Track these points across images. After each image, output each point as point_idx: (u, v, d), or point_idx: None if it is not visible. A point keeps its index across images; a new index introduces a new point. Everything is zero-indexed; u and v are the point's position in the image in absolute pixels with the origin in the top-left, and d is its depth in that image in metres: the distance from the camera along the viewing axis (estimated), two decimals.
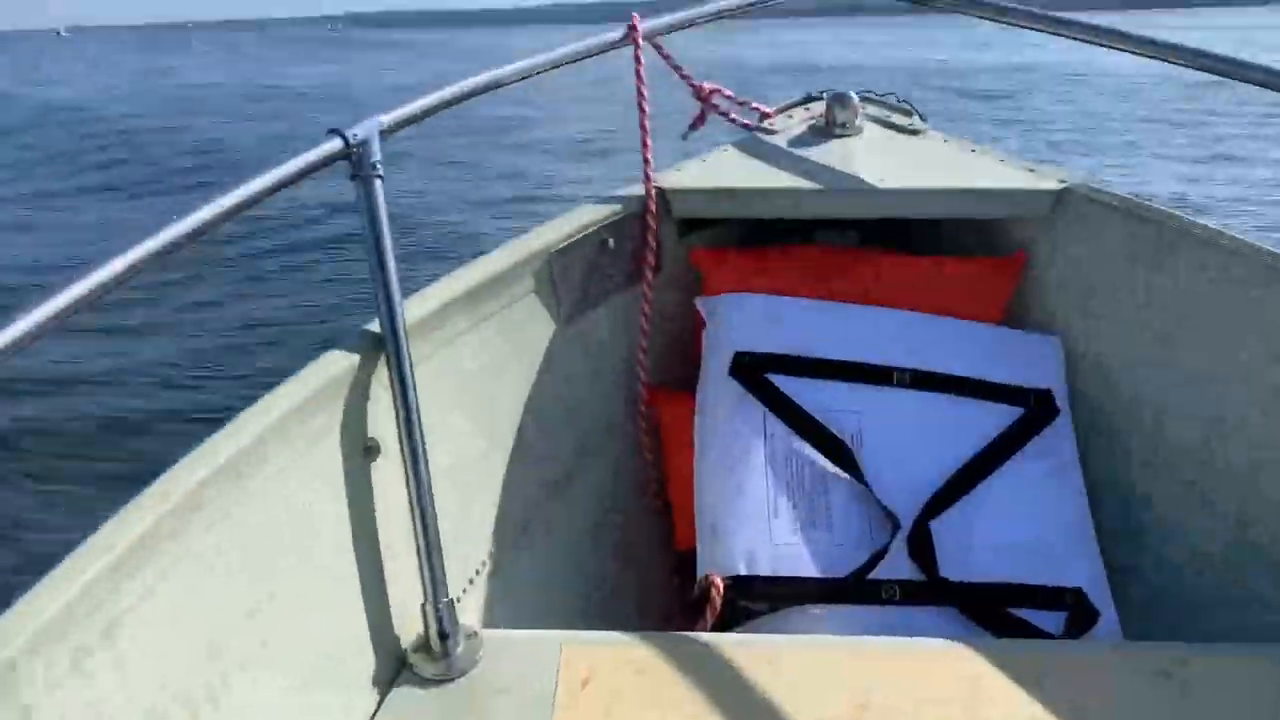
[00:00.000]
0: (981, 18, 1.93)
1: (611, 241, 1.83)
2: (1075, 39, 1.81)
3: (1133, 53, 1.72)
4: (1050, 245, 1.87)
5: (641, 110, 1.84)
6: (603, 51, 1.81)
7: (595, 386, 1.85)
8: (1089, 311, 1.82)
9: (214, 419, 1.15)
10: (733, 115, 2.05)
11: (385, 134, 1.35)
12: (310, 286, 5.28)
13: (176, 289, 5.26)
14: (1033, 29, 1.85)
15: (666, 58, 1.94)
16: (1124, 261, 1.75)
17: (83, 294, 0.93)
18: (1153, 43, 1.69)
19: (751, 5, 1.99)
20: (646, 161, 1.85)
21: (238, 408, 1.17)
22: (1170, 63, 1.67)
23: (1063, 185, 1.84)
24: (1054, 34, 1.83)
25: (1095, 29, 1.77)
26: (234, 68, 38.82)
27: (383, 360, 1.32)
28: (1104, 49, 1.77)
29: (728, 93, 2.02)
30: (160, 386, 4.33)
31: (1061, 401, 1.74)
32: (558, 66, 1.73)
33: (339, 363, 1.29)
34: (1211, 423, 1.59)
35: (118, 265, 0.96)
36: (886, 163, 1.92)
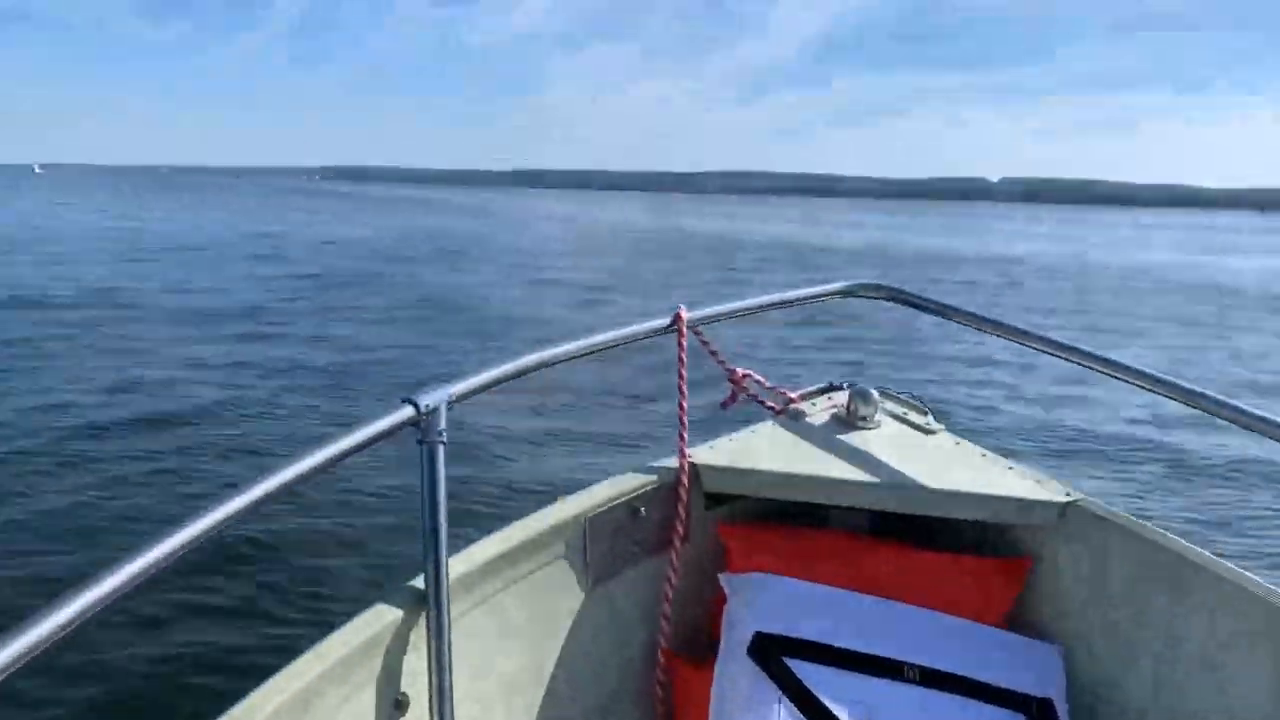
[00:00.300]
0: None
1: (643, 510, 1.91)
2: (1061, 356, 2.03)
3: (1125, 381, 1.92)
4: (1055, 555, 1.95)
5: (681, 392, 1.99)
6: (650, 336, 2.00)
7: (618, 651, 1.90)
8: (1090, 624, 1.87)
9: (263, 665, 1.22)
10: (761, 398, 2.19)
11: (453, 403, 1.47)
12: (359, 539, 5.40)
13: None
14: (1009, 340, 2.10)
15: (705, 344, 2.10)
16: (1125, 580, 1.82)
17: (160, 557, 1.03)
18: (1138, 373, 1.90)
19: (778, 304, 2.23)
20: (683, 439, 1.98)
21: (280, 662, 1.26)
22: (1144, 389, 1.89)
23: (1069, 499, 1.92)
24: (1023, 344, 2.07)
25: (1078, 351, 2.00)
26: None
27: (423, 617, 1.40)
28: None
29: (758, 377, 2.17)
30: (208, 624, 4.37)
31: (1062, 713, 1.77)
32: (610, 346, 1.92)
33: (384, 617, 1.37)
34: None
35: (170, 543, 1.04)
36: (903, 458, 2.02)
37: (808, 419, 2.19)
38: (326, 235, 32.52)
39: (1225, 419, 1.77)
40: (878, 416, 2.18)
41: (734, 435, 2.14)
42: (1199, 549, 1.75)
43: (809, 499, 2.02)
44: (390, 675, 1.40)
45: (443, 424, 1.44)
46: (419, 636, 1.43)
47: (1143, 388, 1.92)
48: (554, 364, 1.81)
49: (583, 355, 1.88)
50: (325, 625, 1.37)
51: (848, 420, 2.17)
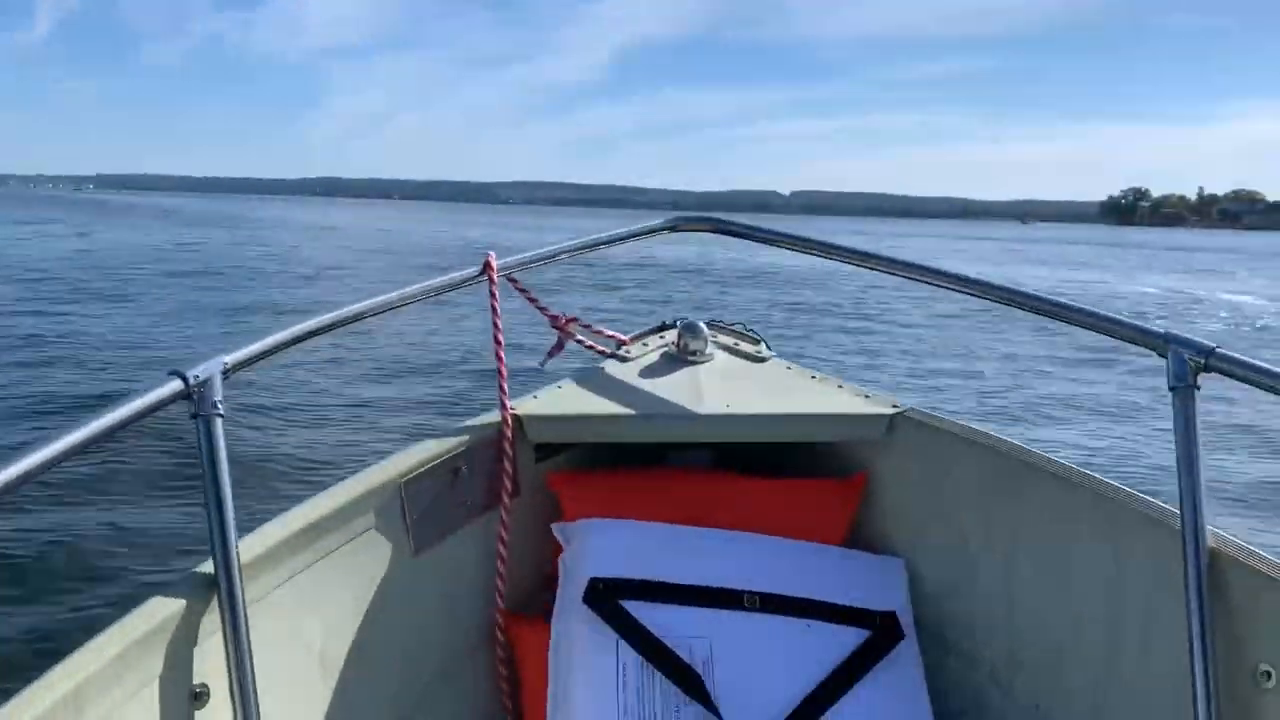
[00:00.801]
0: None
1: (464, 468, 1.83)
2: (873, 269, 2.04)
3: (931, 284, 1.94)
4: (887, 468, 1.97)
5: (497, 342, 1.91)
6: (458, 287, 1.90)
7: (448, 616, 1.83)
8: (929, 533, 1.90)
9: (34, 664, 1.10)
10: (590, 343, 2.12)
11: (228, 373, 1.37)
12: (144, 517, 4.97)
13: None
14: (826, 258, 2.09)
15: (523, 292, 2.03)
16: (959, 485, 1.85)
17: None
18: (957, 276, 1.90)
19: (593, 245, 2.15)
20: (502, 390, 1.89)
21: (62, 652, 1.14)
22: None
23: (896, 410, 1.94)
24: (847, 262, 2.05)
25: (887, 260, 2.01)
26: None
27: (215, 602, 1.30)
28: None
29: (585, 322, 2.10)
30: None
31: (906, 623, 1.79)
32: (411, 302, 1.79)
33: (168, 606, 1.26)
34: (1052, 646, 1.66)
35: None
36: (733, 389, 2.00)
37: (637, 360, 2.14)
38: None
39: (1045, 314, 1.77)
40: (709, 350, 2.15)
41: (561, 383, 2.07)
42: (1031, 448, 1.78)
43: (644, 439, 1.98)
44: (182, 666, 1.27)
45: (218, 395, 1.33)
46: (213, 623, 1.31)
47: (962, 291, 1.92)
48: (346, 325, 1.68)
49: (383, 312, 1.76)
50: (105, 619, 1.23)
51: (679, 356, 2.14)
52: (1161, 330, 1.50)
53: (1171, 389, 1.44)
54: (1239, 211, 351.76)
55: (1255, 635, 1.36)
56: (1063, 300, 1.74)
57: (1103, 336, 1.67)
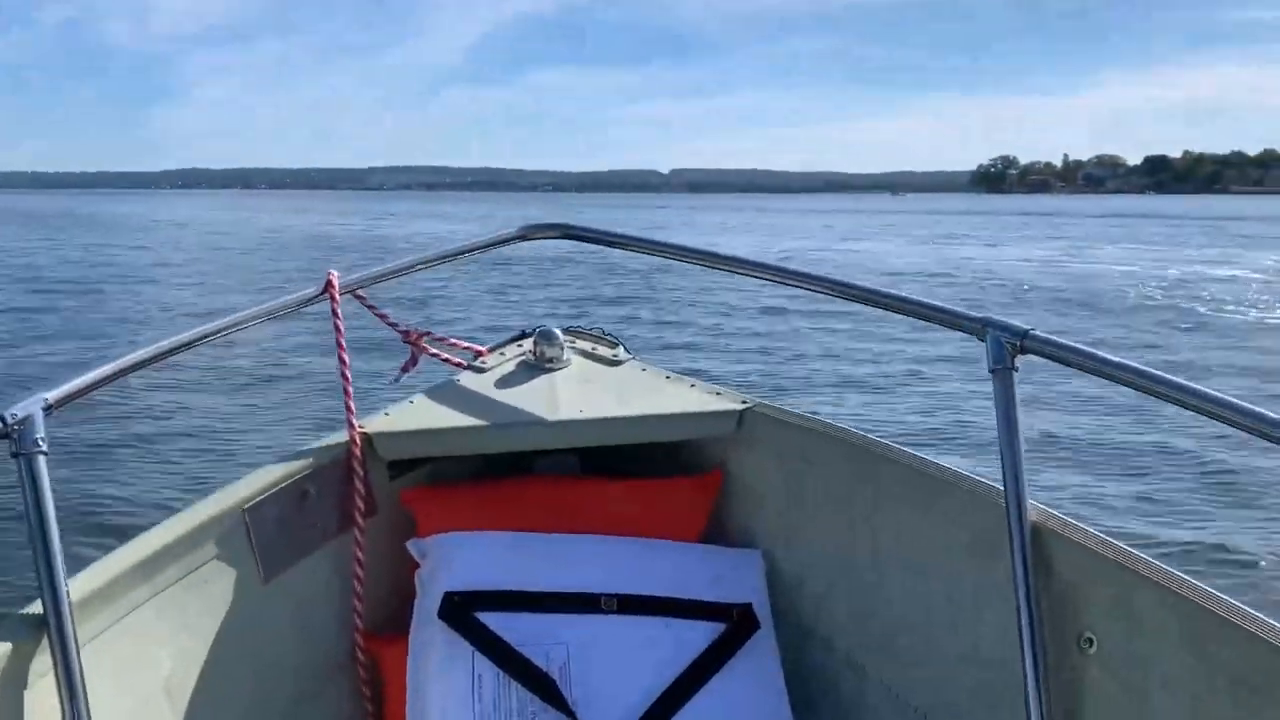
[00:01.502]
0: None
1: (313, 490, 1.80)
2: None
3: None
4: (740, 462, 2.04)
5: (342, 361, 1.89)
6: (300, 307, 1.87)
7: (304, 641, 1.79)
8: (783, 524, 1.97)
9: None
10: (445, 356, 2.10)
11: (50, 409, 1.35)
12: None
13: None
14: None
15: (370, 307, 2.02)
16: (808, 475, 1.92)
17: None
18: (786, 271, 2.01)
19: (443, 258, 2.16)
20: (349, 408, 1.87)
21: None
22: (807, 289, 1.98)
23: (745, 406, 2.01)
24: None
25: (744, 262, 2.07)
26: None
27: (44, 644, 1.26)
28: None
29: (439, 335, 2.09)
30: None
31: (763, 614, 1.85)
32: (248, 326, 1.77)
33: None
34: (899, 625, 1.75)
35: None
36: (589, 393, 2.03)
37: (492, 370, 2.13)
38: None
39: (869, 303, 1.84)
40: (566, 356, 2.16)
41: (413, 398, 2.03)
42: (878, 438, 1.83)
43: (500, 449, 1.99)
44: (12, 712, 1.23)
45: (40, 433, 1.29)
46: (44, 665, 1.26)
47: (793, 285, 2.03)
48: (179, 352, 1.64)
49: (218, 336, 1.72)
50: None
51: (535, 365, 2.14)
52: (979, 315, 1.55)
53: (991, 371, 1.50)
54: (1102, 176, 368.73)
55: (1077, 604, 1.42)
56: (885, 290, 1.79)
57: (926, 323, 1.74)
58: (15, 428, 1.29)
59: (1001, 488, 1.49)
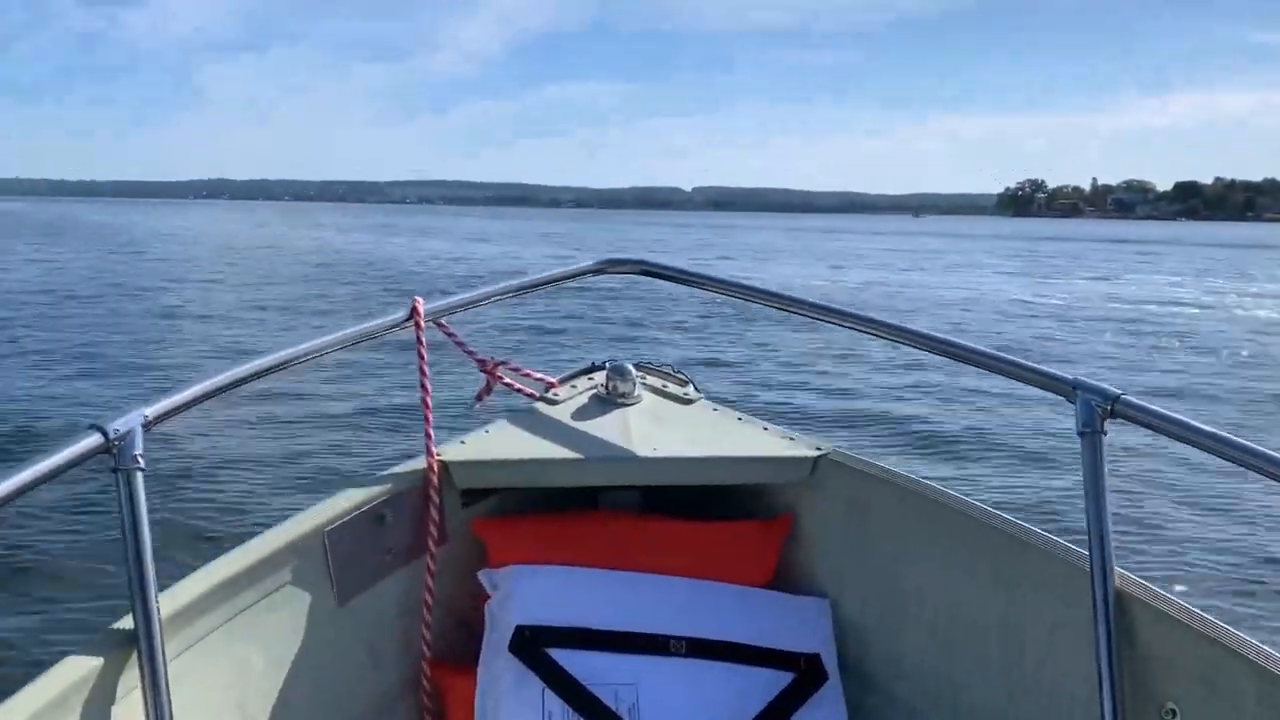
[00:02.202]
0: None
1: (389, 516, 1.83)
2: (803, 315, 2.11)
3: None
4: (811, 509, 2.03)
5: (424, 388, 1.91)
6: (385, 332, 1.90)
7: (374, 667, 1.83)
8: (852, 573, 1.97)
9: None
10: (518, 386, 2.13)
11: (149, 426, 1.37)
12: (60, 574, 4.86)
13: None
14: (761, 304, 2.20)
15: (451, 335, 2.04)
16: (880, 525, 1.92)
17: None
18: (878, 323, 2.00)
19: (524, 289, 2.18)
20: (429, 435, 1.89)
21: None
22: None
23: (820, 452, 2.00)
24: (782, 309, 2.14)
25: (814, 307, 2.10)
26: None
27: (134, 659, 1.29)
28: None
29: (514, 365, 2.12)
30: None
31: (830, 664, 1.84)
32: (336, 350, 1.79)
33: (86, 664, 1.25)
34: (967, 684, 1.74)
35: None
36: (661, 431, 2.04)
37: (566, 402, 2.15)
38: None
39: (956, 358, 1.84)
40: (637, 392, 2.17)
41: (488, 428, 2.06)
42: (952, 492, 1.83)
43: (572, 483, 1.99)
44: None
45: (138, 449, 1.32)
46: (132, 680, 1.29)
47: (878, 335, 2.02)
48: (271, 374, 1.66)
49: (307, 361, 1.75)
50: (20, 679, 1.21)
51: (607, 399, 2.15)
52: (1070, 377, 1.55)
53: (1080, 434, 1.50)
54: (1132, 201, 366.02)
55: (1161, 675, 1.41)
56: (973, 346, 1.80)
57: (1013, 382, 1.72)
58: (116, 443, 1.31)
59: (1082, 550, 1.49)
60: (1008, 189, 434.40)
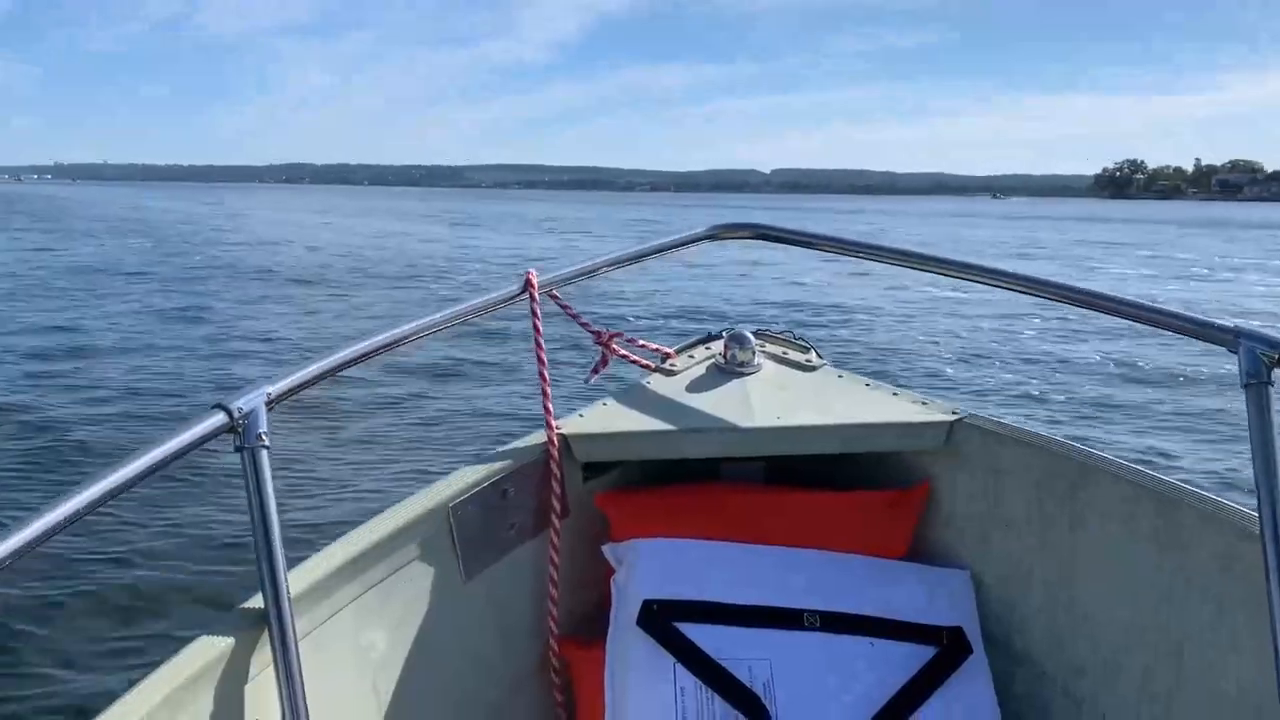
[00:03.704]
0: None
1: (512, 490, 1.83)
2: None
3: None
4: (949, 477, 1.96)
5: (540, 361, 1.90)
6: (500, 306, 1.89)
7: (502, 643, 1.83)
8: (993, 542, 1.90)
9: (82, 711, 1.06)
10: (634, 358, 2.11)
11: (272, 404, 1.37)
12: (193, 556, 4.96)
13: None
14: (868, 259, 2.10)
15: (565, 308, 2.03)
16: (1021, 492, 1.85)
17: None
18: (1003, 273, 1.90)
19: (634, 259, 2.14)
20: (547, 409, 1.88)
21: (112, 695, 1.15)
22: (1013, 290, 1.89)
23: (956, 417, 1.94)
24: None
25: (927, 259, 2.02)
26: None
27: (265, 638, 1.30)
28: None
29: (629, 336, 2.10)
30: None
31: (974, 637, 1.78)
32: (453, 324, 1.79)
33: (218, 645, 1.27)
34: (1122, 656, 1.67)
35: None
36: (784, 400, 2.00)
37: (683, 373, 2.12)
38: None
39: (1105, 311, 1.75)
40: (757, 360, 2.13)
41: (606, 400, 2.05)
42: (1095, 451, 1.76)
43: (693, 455, 1.96)
44: (234, 705, 1.28)
45: (263, 426, 1.32)
46: (263, 660, 1.31)
47: (1017, 290, 1.89)
48: (389, 349, 1.66)
49: (424, 336, 1.74)
50: (154, 660, 1.23)
51: (726, 368, 2.12)
52: (1231, 324, 1.49)
53: (1244, 386, 1.43)
54: (1239, 183, 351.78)
55: None
56: (1123, 296, 1.71)
57: (1166, 334, 1.66)
58: (240, 421, 1.31)
59: (1250, 510, 1.43)
60: (1104, 170, 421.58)
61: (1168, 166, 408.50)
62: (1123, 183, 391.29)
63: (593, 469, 2.01)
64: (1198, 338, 1.58)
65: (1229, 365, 1.45)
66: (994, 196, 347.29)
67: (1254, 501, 1.40)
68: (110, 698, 1.14)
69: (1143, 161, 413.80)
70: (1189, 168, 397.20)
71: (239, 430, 1.32)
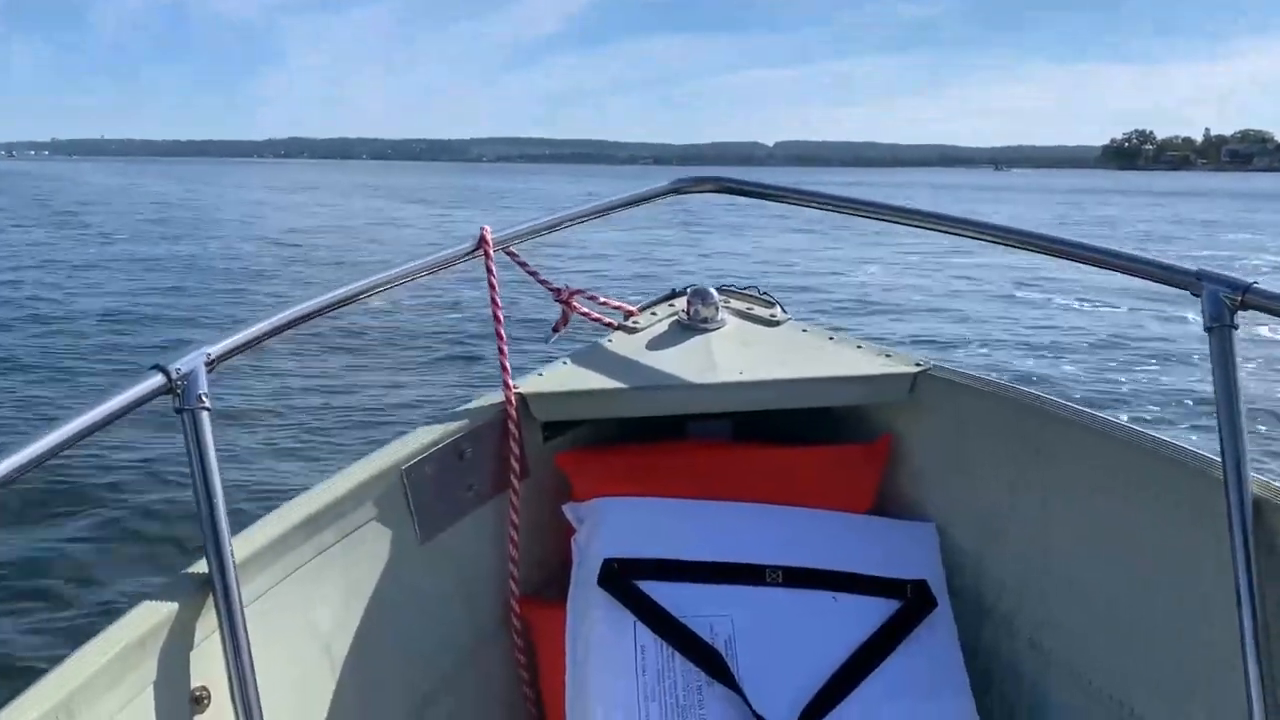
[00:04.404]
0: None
1: (469, 451, 1.80)
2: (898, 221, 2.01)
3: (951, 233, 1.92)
4: (913, 429, 1.95)
5: (496, 319, 1.87)
6: (454, 263, 1.86)
7: (461, 605, 1.81)
8: (959, 495, 1.89)
9: (22, 676, 1.09)
10: (595, 315, 2.08)
11: (212, 365, 1.35)
12: (131, 524, 4.85)
13: None
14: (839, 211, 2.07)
15: (522, 265, 2.00)
16: (988, 443, 1.83)
17: None
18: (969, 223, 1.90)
19: (595, 213, 2.12)
20: (504, 368, 1.86)
21: (53, 661, 1.12)
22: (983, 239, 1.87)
23: (919, 368, 1.92)
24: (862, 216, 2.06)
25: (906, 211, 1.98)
26: None
27: (210, 603, 1.28)
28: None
29: (590, 293, 2.06)
30: None
31: (939, 590, 1.77)
32: (403, 282, 1.76)
33: (162, 609, 1.24)
34: (1090, 607, 1.66)
35: None
36: (747, 355, 1.98)
37: (646, 330, 2.10)
38: None
39: (1066, 257, 1.73)
40: (720, 316, 2.10)
41: (567, 359, 2.01)
42: (1060, 400, 1.74)
43: (657, 412, 1.95)
44: (180, 670, 1.26)
45: (203, 388, 1.30)
46: (210, 624, 1.29)
47: (980, 238, 1.89)
48: (336, 309, 1.62)
49: (372, 294, 1.70)
50: (93, 628, 1.20)
51: (689, 325, 2.09)
52: (1193, 268, 1.47)
53: (1207, 329, 1.41)
54: (1250, 153, 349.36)
55: None
56: (1085, 242, 1.70)
57: (1130, 278, 1.65)
58: (179, 383, 1.29)
59: (1214, 457, 1.42)
60: (1112, 141, 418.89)
61: (1176, 137, 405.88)
62: (1131, 153, 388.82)
63: (553, 429, 1.99)
64: (1161, 281, 1.55)
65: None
66: (996, 169, 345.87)
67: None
68: (46, 666, 1.12)
69: (1151, 132, 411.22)
70: (1198, 138, 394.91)
71: (178, 392, 1.29)
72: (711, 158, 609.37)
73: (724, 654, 1.64)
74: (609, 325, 2.11)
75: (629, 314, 2.14)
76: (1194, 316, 1.41)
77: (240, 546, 1.34)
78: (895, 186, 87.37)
